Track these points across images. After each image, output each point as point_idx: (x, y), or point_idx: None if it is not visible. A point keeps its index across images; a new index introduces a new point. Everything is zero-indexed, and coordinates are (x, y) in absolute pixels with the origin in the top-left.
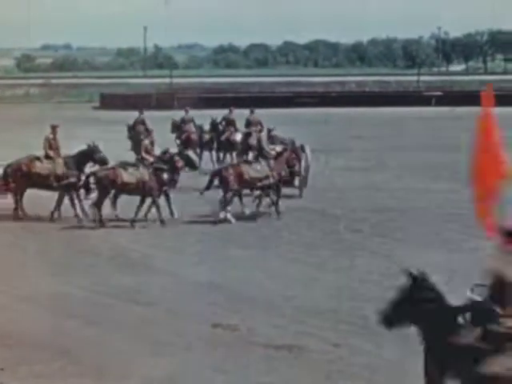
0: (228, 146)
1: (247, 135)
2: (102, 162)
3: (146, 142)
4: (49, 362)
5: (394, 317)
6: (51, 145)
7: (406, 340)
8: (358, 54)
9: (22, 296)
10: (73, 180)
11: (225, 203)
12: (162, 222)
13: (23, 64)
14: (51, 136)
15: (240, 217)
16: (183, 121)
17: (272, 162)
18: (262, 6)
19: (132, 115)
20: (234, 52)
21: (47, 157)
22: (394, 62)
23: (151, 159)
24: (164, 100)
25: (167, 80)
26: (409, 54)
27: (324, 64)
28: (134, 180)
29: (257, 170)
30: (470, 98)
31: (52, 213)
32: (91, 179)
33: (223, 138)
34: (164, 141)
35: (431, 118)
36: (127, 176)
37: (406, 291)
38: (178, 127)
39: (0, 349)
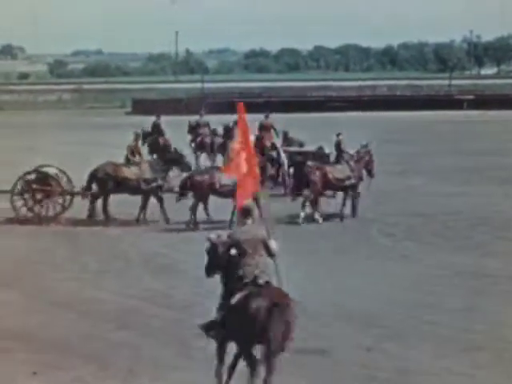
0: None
1: (258, 139)
2: (187, 167)
3: (132, 143)
4: (81, 367)
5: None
6: (133, 151)
7: (439, 343)
8: (389, 58)
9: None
10: (160, 183)
11: (312, 204)
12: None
13: (55, 70)
14: (133, 143)
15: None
16: (198, 124)
17: (352, 163)
18: (292, 10)
19: (163, 120)
20: (265, 56)
21: (129, 162)
22: (426, 66)
23: (136, 159)
24: (195, 105)
25: (198, 85)
26: (440, 58)
27: (355, 68)
28: (231, 182)
29: (340, 170)
30: (501, 101)
31: (138, 216)
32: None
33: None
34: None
35: (463, 122)
36: (224, 179)
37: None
38: (193, 129)
39: (33, 353)
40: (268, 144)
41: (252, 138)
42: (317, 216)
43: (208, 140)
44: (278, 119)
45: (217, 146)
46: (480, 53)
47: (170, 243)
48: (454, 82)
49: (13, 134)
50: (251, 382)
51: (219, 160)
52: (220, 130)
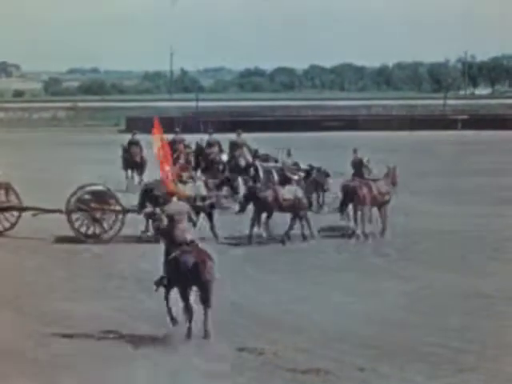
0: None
1: (232, 157)
2: (235, 189)
3: None
4: None
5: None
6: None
7: (432, 365)
8: (384, 78)
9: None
10: (213, 201)
11: (362, 219)
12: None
13: (50, 87)
14: (182, 162)
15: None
16: (174, 141)
17: (383, 180)
18: (287, 29)
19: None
20: (260, 76)
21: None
22: (420, 86)
23: None
24: (190, 124)
25: (193, 103)
26: (435, 78)
27: (350, 88)
28: (292, 197)
29: (381, 186)
30: (496, 121)
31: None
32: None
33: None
34: None
35: (457, 142)
36: (286, 193)
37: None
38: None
39: (29, 374)
40: (242, 162)
41: (224, 158)
42: (358, 232)
43: (183, 156)
44: (272, 138)
45: (192, 163)
46: (474, 73)
47: None
48: (448, 101)
49: (5, 151)
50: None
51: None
52: (193, 147)
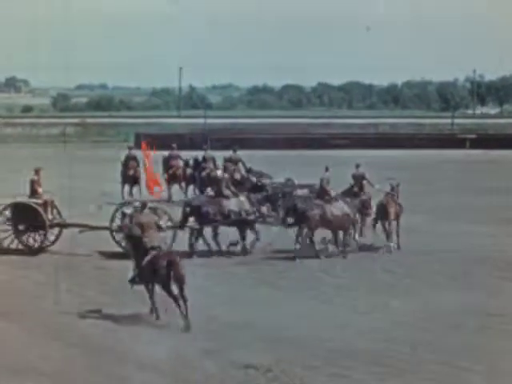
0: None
1: (228, 172)
2: (276, 205)
3: None
4: None
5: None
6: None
7: (440, 382)
8: (393, 96)
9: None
10: (258, 216)
11: (387, 234)
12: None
13: (59, 103)
14: (227, 176)
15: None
16: (170, 156)
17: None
18: (296, 47)
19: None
20: (268, 93)
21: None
22: (429, 105)
23: None
24: (198, 140)
25: (201, 120)
26: (443, 97)
27: (358, 106)
28: (340, 213)
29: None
30: (504, 141)
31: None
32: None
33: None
34: None
35: (465, 161)
36: (335, 210)
37: None
38: (165, 162)
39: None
40: (238, 176)
41: (219, 173)
42: (391, 244)
43: (180, 172)
44: (280, 156)
45: (188, 177)
46: (483, 92)
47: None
48: (456, 120)
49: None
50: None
51: (190, 189)
52: (191, 163)
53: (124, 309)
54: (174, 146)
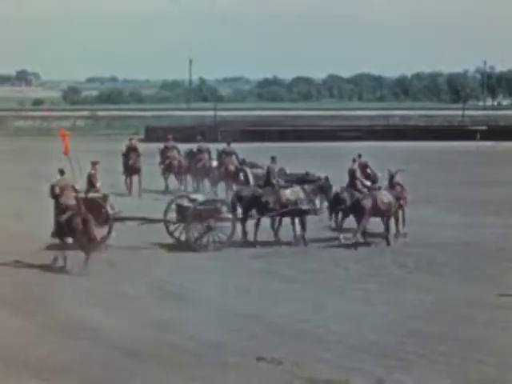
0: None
1: (222, 164)
2: (328, 195)
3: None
4: None
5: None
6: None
7: (452, 375)
8: (403, 88)
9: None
10: (309, 206)
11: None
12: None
13: (69, 96)
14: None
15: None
16: (166, 148)
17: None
18: (306, 39)
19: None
20: (279, 85)
21: None
22: (439, 96)
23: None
24: (208, 133)
25: (211, 113)
26: (454, 88)
27: (368, 98)
28: (387, 201)
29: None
30: None
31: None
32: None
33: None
34: None
35: (476, 153)
36: (384, 198)
37: None
38: (162, 153)
39: (44, 382)
40: (232, 168)
41: (214, 164)
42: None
43: (175, 163)
44: (291, 148)
45: (184, 168)
46: (493, 83)
47: (177, 273)
48: (467, 112)
49: (27, 159)
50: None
51: (188, 180)
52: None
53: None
54: (170, 137)
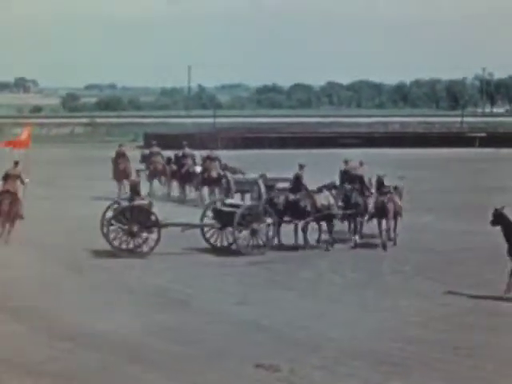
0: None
1: (205, 169)
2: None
3: None
4: None
5: None
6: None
7: (448, 381)
8: (402, 95)
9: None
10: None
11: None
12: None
13: (68, 103)
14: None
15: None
16: (151, 153)
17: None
18: (305, 46)
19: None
20: (278, 92)
21: None
22: (438, 103)
23: None
24: (207, 140)
25: (210, 120)
26: (452, 95)
27: (367, 104)
28: (399, 204)
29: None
30: None
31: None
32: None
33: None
34: None
35: (475, 160)
36: (398, 201)
37: None
38: (146, 159)
39: None
40: (214, 174)
41: (198, 170)
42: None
43: (160, 167)
44: (290, 155)
45: (169, 173)
46: (492, 90)
47: (177, 279)
48: (466, 119)
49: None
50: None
51: (174, 186)
52: (172, 159)
53: None
54: (155, 143)
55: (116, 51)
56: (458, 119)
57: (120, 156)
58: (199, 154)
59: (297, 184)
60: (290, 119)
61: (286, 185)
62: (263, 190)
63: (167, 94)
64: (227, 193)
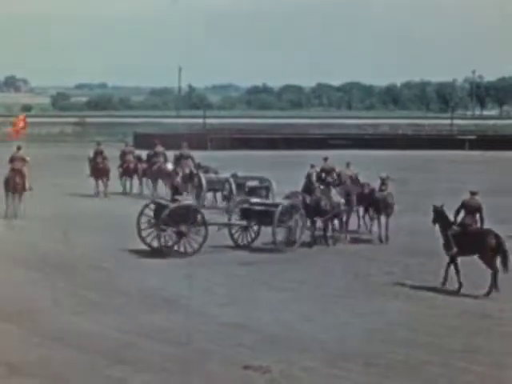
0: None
1: (178, 166)
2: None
3: None
4: None
5: None
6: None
7: None
8: (392, 97)
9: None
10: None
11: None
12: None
13: (58, 102)
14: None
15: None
16: (124, 152)
17: None
18: (295, 47)
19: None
20: (268, 93)
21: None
22: (428, 105)
23: None
24: (197, 140)
25: (200, 120)
26: (442, 98)
27: (357, 106)
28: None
29: None
30: (503, 142)
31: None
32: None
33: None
34: None
35: (464, 162)
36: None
37: None
38: (120, 157)
39: None
40: (187, 171)
41: (170, 167)
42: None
43: (132, 166)
44: (280, 156)
45: (141, 171)
46: (482, 93)
47: (167, 279)
48: (455, 121)
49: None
50: None
51: (144, 183)
52: (144, 157)
53: None
54: (128, 142)
55: (107, 51)
56: (448, 121)
57: (98, 154)
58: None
59: (309, 182)
60: (281, 120)
61: (256, 183)
62: (234, 188)
63: (157, 93)
64: (199, 191)
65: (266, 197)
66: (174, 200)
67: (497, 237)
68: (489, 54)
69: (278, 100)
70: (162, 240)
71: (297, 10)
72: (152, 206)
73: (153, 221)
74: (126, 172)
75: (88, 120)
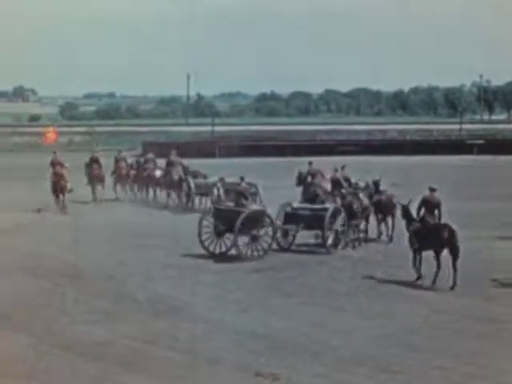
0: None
1: (168, 173)
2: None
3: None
4: None
5: None
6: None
7: None
8: (400, 102)
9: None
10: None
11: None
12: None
13: (67, 112)
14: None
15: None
16: (117, 159)
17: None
18: (303, 54)
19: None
20: (276, 100)
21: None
22: (436, 111)
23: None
24: (206, 148)
25: (209, 128)
26: (450, 103)
27: (366, 112)
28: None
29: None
30: None
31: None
32: None
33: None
34: None
35: (473, 167)
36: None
37: None
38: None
39: None
40: (176, 177)
41: (158, 173)
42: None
43: (124, 172)
44: (288, 162)
45: (131, 178)
46: (490, 98)
47: (177, 286)
48: (464, 126)
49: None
50: None
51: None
52: (134, 164)
53: None
54: (121, 150)
55: (115, 60)
56: (457, 126)
57: (93, 162)
58: (198, 162)
59: (337, 186)
60: (289, 127)
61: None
62: (222, 192)
63: (166, 102)
64: (188, 196)
65: (254, 202)
66: (239, 205)
67: (451, 231)
68: (496, 59)
69: (286, 107)
70: (223, 245)
71: (304, 17)
72: (211, 212)
73: (213, 226)
74: (119, 179)
75: (96, 129)
